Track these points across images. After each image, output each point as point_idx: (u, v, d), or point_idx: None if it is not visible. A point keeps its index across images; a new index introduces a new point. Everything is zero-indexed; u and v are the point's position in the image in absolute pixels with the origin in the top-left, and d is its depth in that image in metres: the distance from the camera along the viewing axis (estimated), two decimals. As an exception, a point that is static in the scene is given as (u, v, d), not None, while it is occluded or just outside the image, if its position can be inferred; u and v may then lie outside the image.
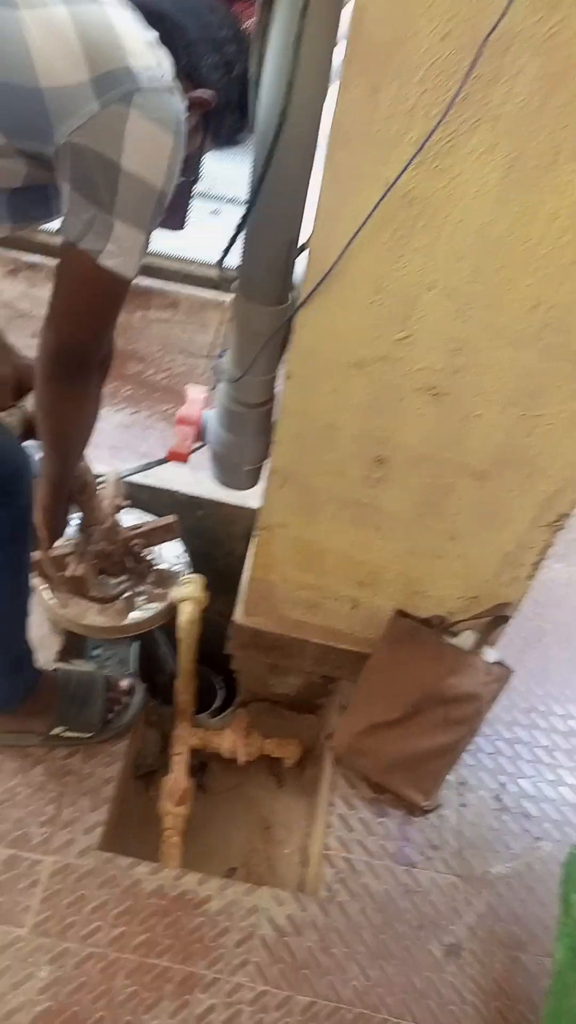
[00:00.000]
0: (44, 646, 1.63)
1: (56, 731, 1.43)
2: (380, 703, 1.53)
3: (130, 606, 1.60)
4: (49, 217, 1.06)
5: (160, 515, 1.67)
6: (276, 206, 1.11)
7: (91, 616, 1.57)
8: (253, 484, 1.56)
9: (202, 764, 1.73)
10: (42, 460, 1.24)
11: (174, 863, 1.48)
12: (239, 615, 1.63)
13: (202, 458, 1.54)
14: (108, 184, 0.88)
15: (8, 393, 1.35)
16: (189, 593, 1.55)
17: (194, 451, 1.51)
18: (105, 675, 1.55)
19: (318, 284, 1.06)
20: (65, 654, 1.65)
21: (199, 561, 1.75)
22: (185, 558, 1.74)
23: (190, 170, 1.09)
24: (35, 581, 1.51)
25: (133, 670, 1.95)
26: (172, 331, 2.33)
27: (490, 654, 1.51)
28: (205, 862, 1.59)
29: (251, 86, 1.04)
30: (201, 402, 1.52)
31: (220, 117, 1.09)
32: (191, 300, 2.35)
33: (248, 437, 1.45)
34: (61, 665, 1.57)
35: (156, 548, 1.67)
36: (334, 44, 0.92)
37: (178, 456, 1.45)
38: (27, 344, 1.28)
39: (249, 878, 1.59)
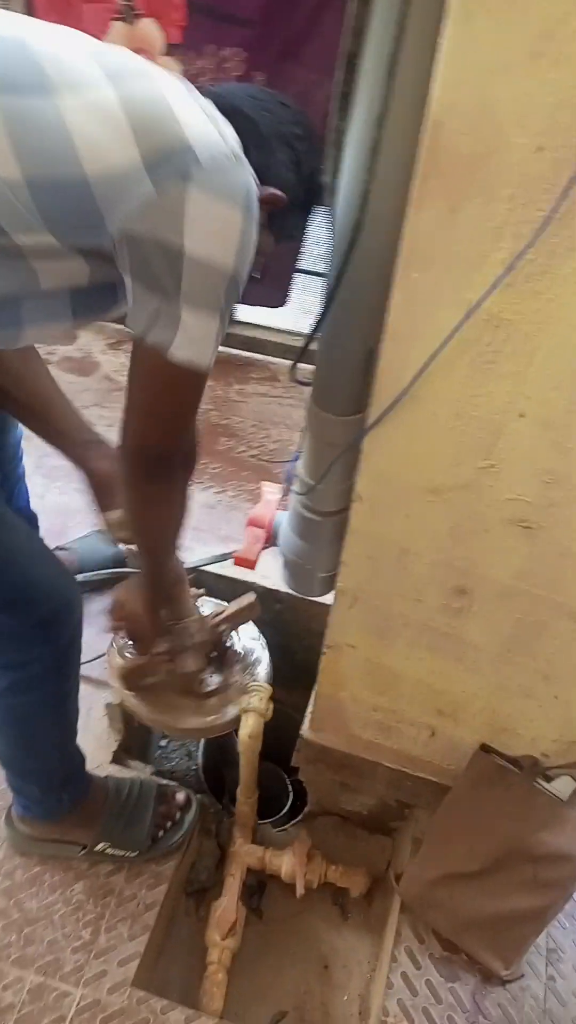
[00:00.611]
0: (101, 745, 1.56)
1: (100, 847, 1.34)
2: (458, 850, 1.35)
3: (225, 699, 1.49)
4: (116, 309, 1.00)
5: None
6: (350, 316, 1.01)
7: (188, 718, 1.46)
8: (328, 591, 1.44)
9: (260, 884, 1.60)
10: (137, 559, 1.20)
11: (216, 1005, 1.35)
12: (307, 729, 1.51)
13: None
14: (171, 271, 0.80)
15: (111, 491, 1.31)
16: (254, 705, 1.43)
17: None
18: (160, 785, 1.46)
19: (389, 408, 0.95)
20: (123, 752, 1.58)
21: (276, 654, 1.65)
22: (261, 639, 1.63)
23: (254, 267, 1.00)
24: (125, 694, 1.46)
25: (201, 763, 1.87)
26: (269, 406, 2.27)
27: (589, 807, 1.31)
28: (253, 1002, 1.45)
29: (327, 193, 0.95)
30: (275, 503, 1.42)
31: (287, 217, 1.01)
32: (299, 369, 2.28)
33: (322, 545, 1.34)
34: (115, 771, 1.49)
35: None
36: (414, 155, 0.81)
37: (245, 563, 1.36)
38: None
39: (300, 1026, 1.44)
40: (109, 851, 1.35)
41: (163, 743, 1.93)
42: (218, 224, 0.81)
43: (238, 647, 1.58)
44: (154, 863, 1.39)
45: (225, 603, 1.61)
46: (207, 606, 1.58)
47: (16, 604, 1.05)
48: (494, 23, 0.67)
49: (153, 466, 1.00)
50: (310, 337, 1.04)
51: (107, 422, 2.24)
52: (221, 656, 1.54)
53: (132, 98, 0.79)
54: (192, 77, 1.86)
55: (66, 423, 1.25)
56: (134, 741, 1.67)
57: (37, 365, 1.22)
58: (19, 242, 0.81)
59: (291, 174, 0.98)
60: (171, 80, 0.85)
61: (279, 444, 2.19)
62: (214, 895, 1.51)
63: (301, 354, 1.10)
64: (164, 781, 1.49)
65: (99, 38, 1.84)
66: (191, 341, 0.85)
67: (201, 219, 0.79)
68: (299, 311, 2.64)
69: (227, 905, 1.43)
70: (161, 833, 1.39)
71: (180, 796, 1.45)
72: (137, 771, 1.55)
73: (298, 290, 2.34)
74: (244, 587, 1.76)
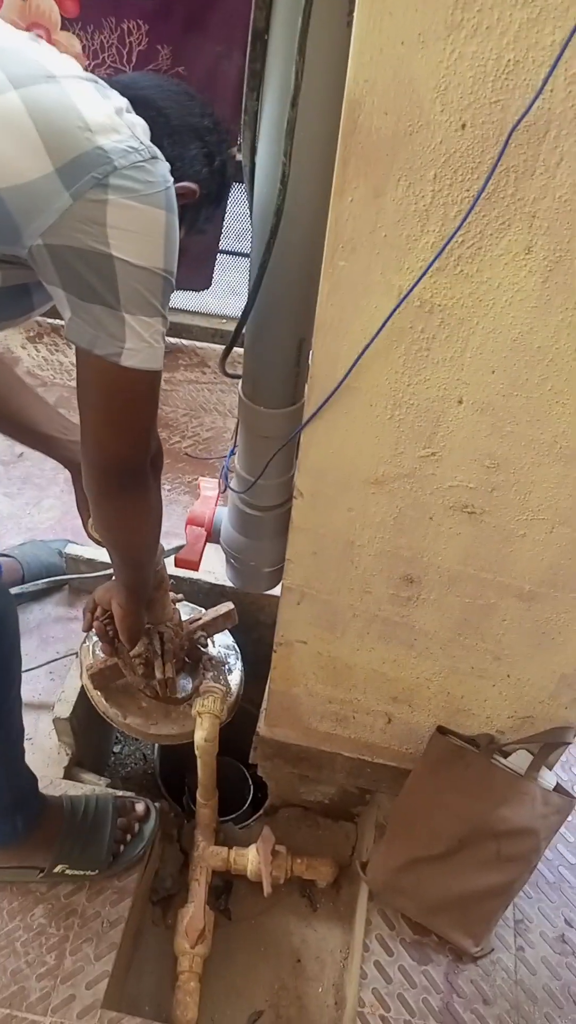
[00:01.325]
0: (52, 761, 1.51)
1: (58, 869, 1.29)
2: (421, 834, 1.35)
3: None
4: (31, 312, 0.95)
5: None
6: (278, 307, 0.97)
7: (162, 725, 1.45)
8: (274, 585, 1.41)
9: (227, 884, 1.58)
10: (115, 569, 1.17)
11: (190, 1015, 1.32)
12: (262, 726, 1.48)
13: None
14: (105, 280, 0.78)
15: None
16: (208, 707, 1.40)
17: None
18: (117, 797, 1.41)
19: (324, 401, 0.91)
20: (75, 767, 1.53)
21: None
22: (235, 648, 1.62)
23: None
24: (95, 695, 1.44)
25: (157, 767, 1.83)
26: (200, 393, 2.21)
27: (548, 778, 1.32)
28: (228, 1004, 1.43)
29: (245, 178, 0.90)
30: (213, 499, 1.38)
31: (197, 210, 0.98)
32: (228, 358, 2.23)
33: (265, 540, 1.30)
34: (68, 787, 1.44)
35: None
36: (333, 136, 0.76)
37: (187, 564, 1.31)
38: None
39: (278, 1023, 1.43)
40: (68, 872, 1.30)
41: (116, 750, 1.88)
42: (142, 227, 0.78)
43: (212, 654, 1.56)
44: (116, 878, 1.35)
45: (202, 608, 1.59)
46: (183, 610, 1.55)
47: None
48: (408, -7, 0.63)
49: (126, 479, 0.97)
50: (238, 329, 0.99)
51: (32, 421, 2.15)
52: (195, 663, 1.52)
53: (39, 105, 0.75)
54: (93, 53, 1.77)
55: (48, 425, 1.21)
56: (86, 753, 1.62)
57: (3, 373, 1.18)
58: None
59: (203, 167, 0.95)
60: (77, 77, 0.80)
61: (213, 432, 2.14)
62: (180, 901, 1.48)
63: (230, 347, 1.05)
64: (121, 793, 1.45)
65: (-9, 14, 1.73)
66: (141, 345, 0.82)
67: (125, 225, 0.77)
68: (225, 292, 2.58)
69: (194, 912, 1.40)
70: (121, 848, 1.35)
71: (139, 807, 1.41)
72: (92, 784, 1.50)
73: (222, 270, 2.28)
74: (187, 585, 1.71)
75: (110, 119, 0.78)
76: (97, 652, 1.47)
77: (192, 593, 1.69)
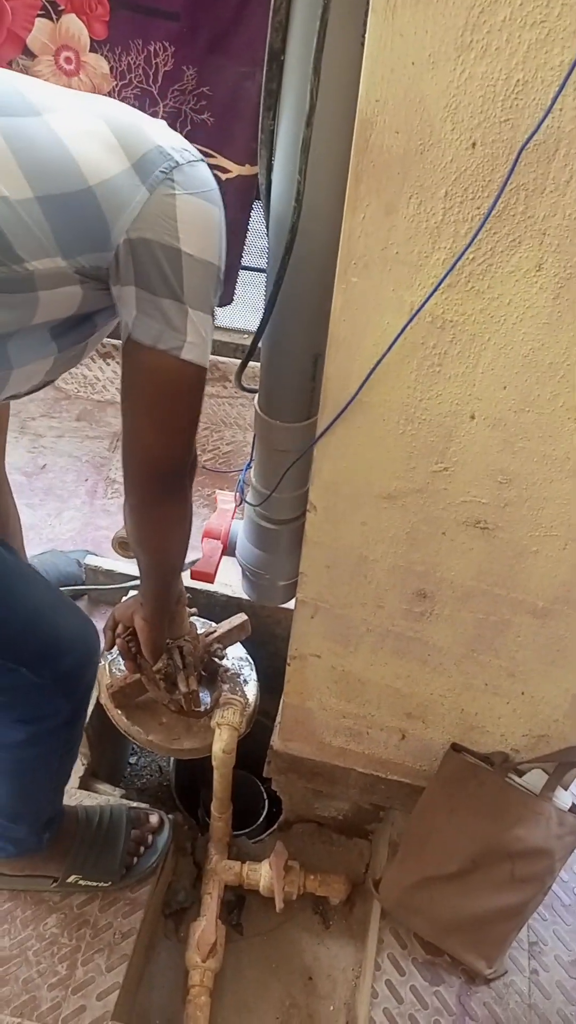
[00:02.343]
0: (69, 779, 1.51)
1: (72, 879, 1.30)
2: (434, 853, 1.34)
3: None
4: (92, 334, 0.98)
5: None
6: (293, 322, 0.98)
7: (184, 740, 1.46)
8: (289, 598, 1.42)
9: (239, 899, 1.57)
10: (142, 580, 1.17)
11: (200, 1031, 1.32)
12: (276, 740, 1.48)
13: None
14: (175, 271, 0.82)
15: None
16: (228, 719, 1.40)
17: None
18: (131, 808, 1.41)
19: (337, 416, 0.92)
20: (91, 777, 1.54)
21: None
22: (249, 659, 1.62)
23: None
24: (116, 713, 1.47)
25: (173, 779, 1.83)
26: (221, 407, 2.22)
27: (563, 798, 1.30)
28: (238, 1020, 1.42)
29: (262, 196, 0.92)
30: (230, 512, 1.39)
31: None
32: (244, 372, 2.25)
33: (280, 553, 1.31)
34: (83, 797, 1.45)
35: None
36: (347, 155, 0.77)
37: (203, 576, 1.32)
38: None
39: (287, 1041, 1.42)
40: (81, 882, 1.31)
41: (132, 761, 1.89)
42: (203, 222, 0.83)
43: (227, 666, 1.57)
44: (129, 889, 1.36)
45: (212, 622, 1.61)
46: (196, 624, 1.57)
47: (44, 658, 1.01)
48: (419, 15, 0.64)
49: (170, 483, 0.98)
50: (254, 344, 1.00)
51: (56, 432, 2.18)
52: (212, 675, 1.53)
53: (109, 115, 0.82)
54: (120, 74, 1.81)
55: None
56: (102, 763, 1.63)
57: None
58: (32, 268, 0.79)
59: None
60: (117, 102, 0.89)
61: (233, 446, 2.15)
62: (193, 915, 1.48)
63: (245, 361, 1.06)
64: (135, 804, 1.45)
65: (24, 35, 1.77)
66: (197, 340, 0.86)
67: (191, 220, 0.82)
68: (247, 307, 2.60)
69: (206, 926, 1.40)
70: (135, 859, 1.35)
71: (153, 819, 1.41)
72: (107, 795, 1.51)
73: (243, 286, 2.30)
74: (203, 597, 1.72)
75: (163, 127, 0.86)
76: (115, 671, 1.49)
77: (208, 606, 1.70)
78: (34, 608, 1.00)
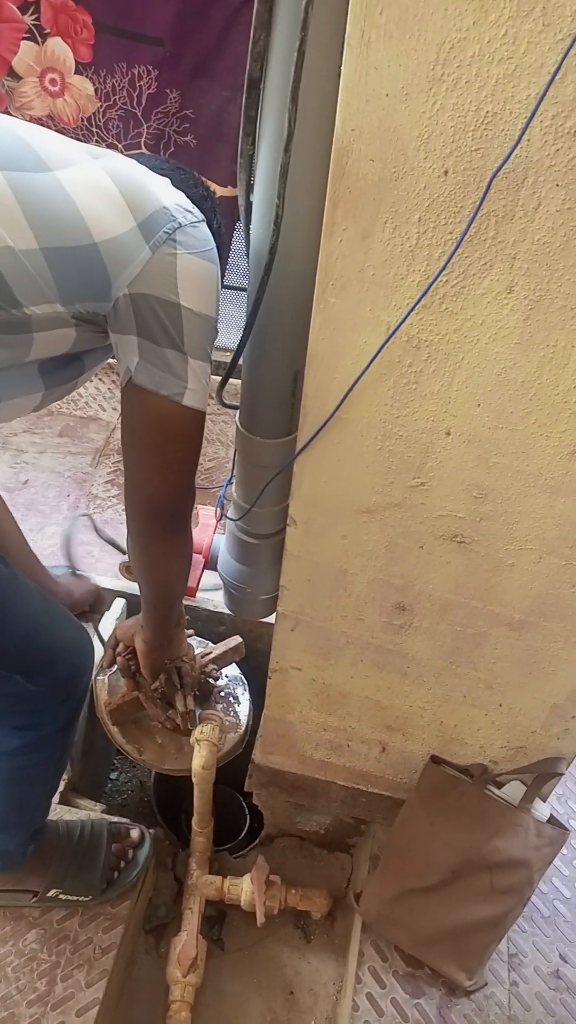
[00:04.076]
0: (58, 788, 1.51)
1: (52, 893, 1.30)
2: (414, 865, 1.35)
3: None
4: (81, 374, 1.02)
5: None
6: (273, 340, 1.00)
7: (178, 760, 1.50)
8: (270, 612, 1.43)
9: (220, 914, 1.57)
10: (144, 606, 1.23)
11: (181, 1045, 1.31)
12: (257, 754, 1.49)
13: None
14: (175, 325, 0.86)
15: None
16: (206, 734, 1.41)
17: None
18: (112, 823, 1.41)
19: (316, 432, 0.94)
20: (71, 792, 1.54)
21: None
22: (242, 680, 1.66)
23: None
24: (113, 730, 1.51)
25: (154, 795, 1.83)
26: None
27: (542, 809, 1.32)
28: (219, 1036, 1.42)
29: (242, 218, 0.95)
30: (211, 527, 1.40)
31: None
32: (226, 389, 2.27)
33: (261, 567, 1.32)
34: (64, 812, 1.44)
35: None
36: (324, 180, 0.80)
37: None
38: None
39: (268, 1056, 1.41)
40: (62, 897, 1.31)
41: (113, 776, 1.88)
42: (201, 279, 0.88)
43: (222, 686, 1.62)
44: (109, 904, 1.35)
45: (209, 642, 1.66)
46: (193, 644, 1.61)
47: (41, 666, 1.03)
48: (392, 50, 0.67)
49: (173, 522, 1.03)
50: (234, 361, 1.02)
51: (39, 448, 2.19)
52: (207, 695, 1.58)
53: (117, 172, 0.85)
54: (105, 96, 1.84)
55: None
56: (83, 779, 1.63)
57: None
58: (30, 312, 0.82)
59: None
60: (126, 158, 0.91)
61: (215, 462, 2.17)
62: (174, 930, 1.47)
63: (225, 378, 1.08)
64: (116, 819, 1.45)
65: (10, 57, 1.80)
66: (197, 387, 0.91)
67: (190, 277, 0.86)
68: (229, 325, 2.62)
69: (187, 940, 1.40)
70: (116, 874, 1.35)
71: (134, 833, 1.41)
72: (88, 810, 1.50)
73: (225, 304, 2.32)
74: (186, 612, 1.73)
75: (167, 186, 0.89)
76: (113, 688, 1.52)
77: (190, 620, 1.71)
78: (29, 617, 1.01)
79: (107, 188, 0.83)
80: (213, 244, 0.90)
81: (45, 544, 1.93)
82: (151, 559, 1.09)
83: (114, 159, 0.88)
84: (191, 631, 1.58)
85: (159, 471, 0.96)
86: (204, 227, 0.89)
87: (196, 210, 0.89)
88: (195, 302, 0.87)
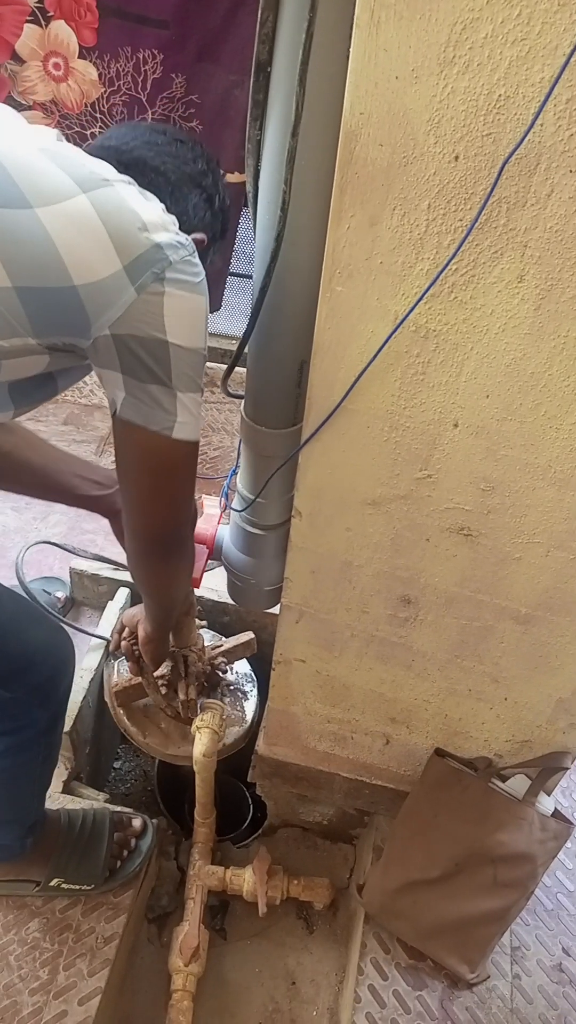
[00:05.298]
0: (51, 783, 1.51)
1: (54, 883, 1.30)
2: (418, 857, 1.34)
3: None
4: (53, 395, 1.00)
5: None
6: (279, 329, 0.98)
7: (180, 747, 1.51)
8: (274, 603, 1.42)
9: (223, 904, 1.57)
10: (144, 607, 1.26)
11: (183, 1035, 1.32)
12: (261, 745, 1.48)
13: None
14: (161, 362, 0.84)
15: None
16: (207, 722, 1.41)
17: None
18: (115, 812, 1.41)
19: (322, 423, 0.93)
20: (74, 781, 1.53)
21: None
22: (252, 675, 1.67)
23: None
24: (118, 712, 1.54)
25: (156, 783, 1.83)
26: (209, 413, 2.23)
27: (546, 804, 1.31)
28: (221, 1025, 1.42)
29: (249, 204, 0.93)
30: (216, 517, 1.39)
31: (206, 254, 1.02)
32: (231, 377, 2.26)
33: (267, 558, 1.31)
34: (67, 801, 1.44)
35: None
36: (332, 166, 0.78)
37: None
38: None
39: (270, 1046, 1.42)
40: (64, 886, 1.31)
41: (117, 765, 1.88)
42: (190, 314, 0.84)
43: (231, 680, 1.63)
44: (112, 894, 1.35)
45: (222, 635, 1.67)
46: (206, 636, 1.62)
47: (14, 674, 1.02)
48: (403, 31, 0.65)
49: (170, 545, 1.03)
50: (240, 350, 1.01)
51: (43, 436, 2.18)
52: (214, 688, 1.58)
53: (104, 207, 0.80)
54: (109, 81, 1.81)
55: (74, 481, 1.26)
56: (86, 767, 1.63)
57: (18, 438, 1.23)
58: (1, 344, 0.80)
59: (206, 212, 1.00)
60: (123, 181, 0.85)
61: (220, 451, 2.16)
62: (176, 919, 1.48)
63: (231, 367, 1.07)
64: (118, 808, 1.45)
65: (13, 40, 1.78)
66: (187, 419, 0.88)
67: (178, 314, 0.83)
68: (235, 313, 2.61)
69: (189, 930, 1.40)
70: (118, 863, 1.35)
71: (136, 822, 1.41)
72: (90, 799, 1.50)
73: (232, 291, 2.30)
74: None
75: (160, 218, 0.84)
76: (122, 671, 1.53)
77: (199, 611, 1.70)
78: (1, 624, 1.00)
79: (93, 226, 0.78)
80: (202, 275, 0.86)
81: (50, 532, 1.92)
82: (151, 580, 1.10)
83: (108, 190, 0.81)
84: (203, 622, 1.58)
85: (152, 501, 0.96)
86: (194, 259, 0.85)
87: (188, 241, 0.85)
88: (183, 337, 0.84)
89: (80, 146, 0.90)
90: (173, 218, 0.87)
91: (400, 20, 0.65)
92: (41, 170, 0.80)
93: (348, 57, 0.70)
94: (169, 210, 0.88)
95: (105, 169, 0.85)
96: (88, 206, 0.79)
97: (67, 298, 0.79)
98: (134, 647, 1.41)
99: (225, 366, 2.31)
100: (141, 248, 0.80)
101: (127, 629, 1.43)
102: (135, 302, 0.80)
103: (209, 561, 1.39)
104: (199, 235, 0.97)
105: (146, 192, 0.87)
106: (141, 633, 1.32)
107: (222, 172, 1.00)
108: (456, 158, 0.70)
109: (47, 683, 1.07)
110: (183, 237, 0.85)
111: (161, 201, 0.88)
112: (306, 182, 0.82)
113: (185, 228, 0.92)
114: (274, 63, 0.79)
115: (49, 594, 1.76)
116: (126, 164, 0.91)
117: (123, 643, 1.43)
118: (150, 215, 0.82)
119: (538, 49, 0.63)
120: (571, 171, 0.69)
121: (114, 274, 0.79)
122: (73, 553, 1.80)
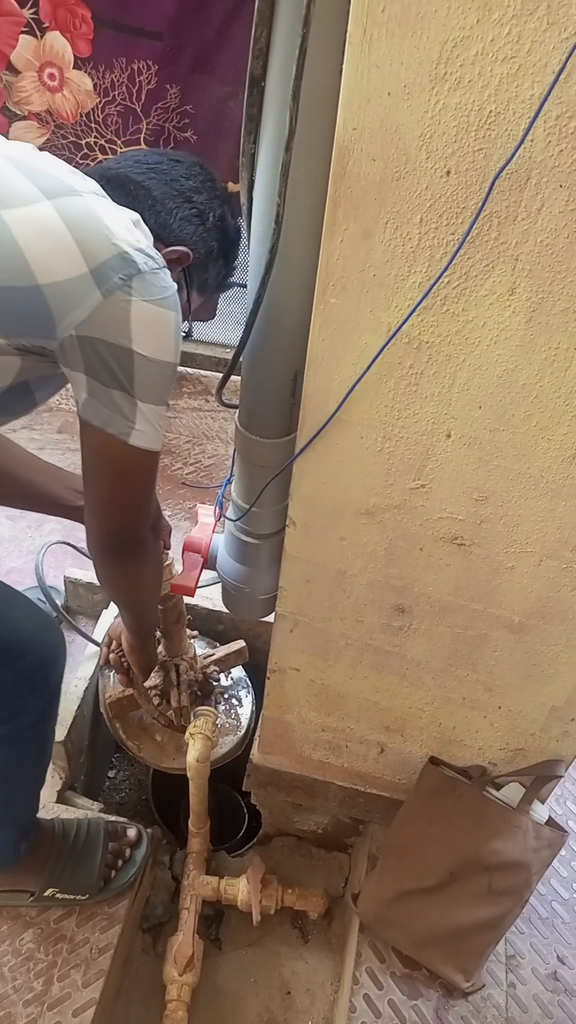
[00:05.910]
0: (45, 784, 1.50)
1: (48, 893, 1.29)
2: (413, 866, 1.34)
3: None
4: (32, 407, 1.01)
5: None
6: (273, 340, 0.99)
7: (176, 760, 1.52)
8: (269, 612, 1.42)
9: (218, 913, 1.57)
10: (120, 615, 1.28)
11: (178, 1045, 1.31)
12: (256, 753, 1.48)
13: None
14: (124, 369, 0.85)
15: None
16: (199, 728, 1.41)
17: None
18: (109, 822, 1.41)
19: (316, 434, 0.93)
20: (69, 790, 1.53)
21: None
22: (247, 682, 1.68)
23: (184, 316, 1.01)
24: (114, 725, 1.55)
25: (150, 793, 1.83)
26: (203, 421, 2.23)
27: (540, 812, 1.31)
28: (216, 1036, 1.42)
29: (244, 216, 0.94)
30: (210, 526, 1.39)
31: (203, 269, 1.04)
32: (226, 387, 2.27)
33: (261, 567, 1.31)
34: (61, 811, 1.44)
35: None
36: (325, 179, 0.79)
37: (183, 590, 1.33)
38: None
39: (265, 1057, 1.41)
40: (59, 896, 1.30)
41: (111, 775, 1.88)
42: (158, 327, 0.86)
43: (225, 686, 1.64)
44: (106, 904, 1.35)
45: (216, 643, 1.68)
46: (198, 646, 1.64)
47: (3, 660, 1.02)
48: (395, 48, 0.66)
49: (129, 545, 1.04)
50: (234, 360, 1.01)
51: (37, 444, 2.18)
52: (207, 696, 1.60)
53: (70, 214, 0.82)
54: (104, 91, 1.82)
55: (59, 490, 1.29)
56: (80, 777, 1.62)
57: (2, 450, 1.24)
58: None
59: (194, 227, 1.01)
60: (94, 193, 0.88)
61: (215, 459, 2.16)
62: (171, 929, 1.47)
63: (226, 377, 1.07)
64: (113, 818, 1.45)
65: (8, 51, 1.79)
66: (146, 429, 0.90)
67: (145, 323, 0.84)
68: (229, 322, 2.62)
69: (183, 940, 1.39)
70: (113, 873, 1.35)
71: (131, 832, 1.41)
72: (85, 809, 1.50)
73: (226, 301, 2.32)
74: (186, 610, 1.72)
75: (128, 230, 0.86)
76: (114, 683, 1.54)
77: (191, 620, 1.70)
78: None
79: (57, 231, 0.81)
80: (174, 290, 0.88)
81: (43, 541, 1.92)
82: (109, 579, 1.11)
83: (76, 199, 0.84)
84: (195, 632, 1.59)
85: (108, 503, 0.97)
86: (164, 274, 0.87)
87: (158, 256, 0.87)
88: (149, 348, 0.85)
89: (74, 155, 0.92)
90: (146, 231, 0.88)
91: (392, 38, 0.66)
92: (7, 178, 0.82)
93: (341, 73, 0.70)
94: (148, 222, 0.90)
95: (79, 181, 0.87)
96: (52, 212, 0.81)
97: (31, 297, 0.80)
98: (122, 658, 1.42)
99: (220, 375, 2.32)
100: (108, 254, 0.82)
101: (114, 641, 1.44)
102: (101, 305, 0.81)
103: (204, 572, 1.39)
104: (181, 248, 0.99)
105: (122, 208, 0.88)
106: (124, 643, 1.33)
107: (223, 194, 1.02)
108: (448, 173, 0.71)
109: (36, 671, 1.07)
110: (152, 252, 0.86)
111: (141, 214, 0.89)
112: (300, 195, 0.82)
113: (167, 241, 0.95)
114: (268, 78, 0.80)
115: (43, 603, 1.76)
116: (108, 179, 0.94)
117: (111, 656, 1.44)
118: (118, 226, 0.84)
119: (528, 67, 0.64)
120: (561, 186, 0.70)
121: (80, 276, 0.80)
122: (87, 556, 1.80)
